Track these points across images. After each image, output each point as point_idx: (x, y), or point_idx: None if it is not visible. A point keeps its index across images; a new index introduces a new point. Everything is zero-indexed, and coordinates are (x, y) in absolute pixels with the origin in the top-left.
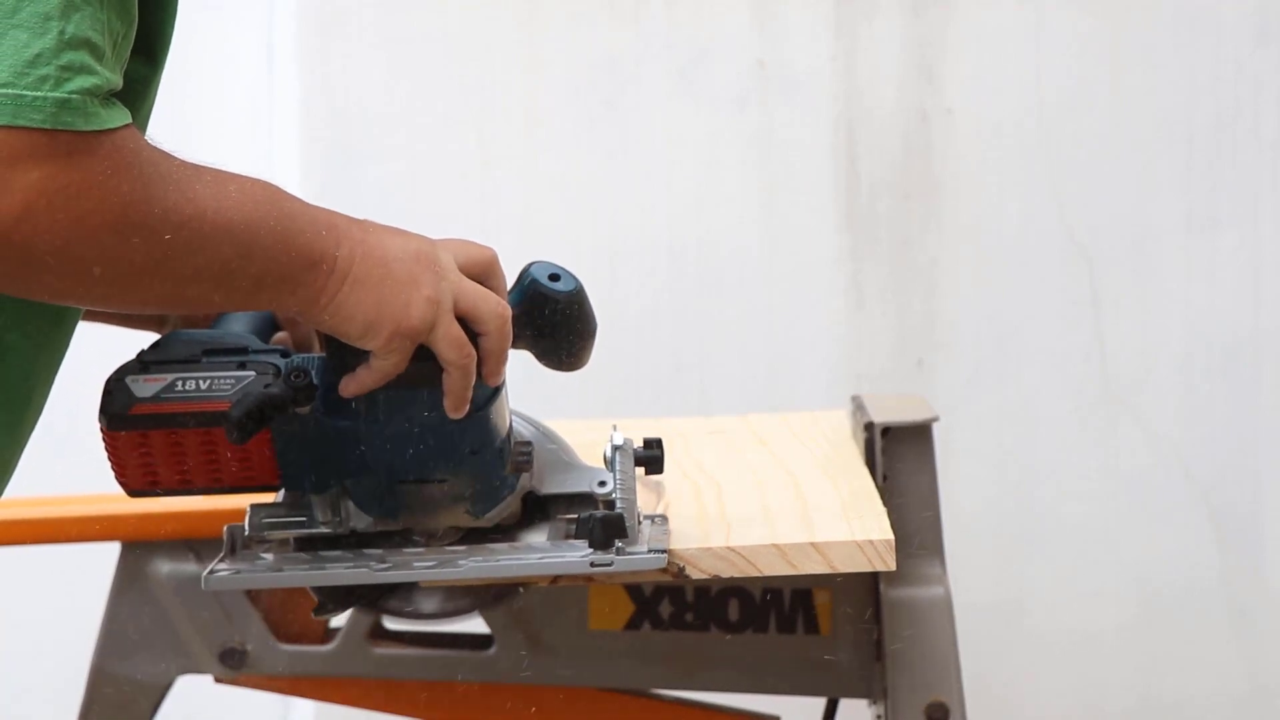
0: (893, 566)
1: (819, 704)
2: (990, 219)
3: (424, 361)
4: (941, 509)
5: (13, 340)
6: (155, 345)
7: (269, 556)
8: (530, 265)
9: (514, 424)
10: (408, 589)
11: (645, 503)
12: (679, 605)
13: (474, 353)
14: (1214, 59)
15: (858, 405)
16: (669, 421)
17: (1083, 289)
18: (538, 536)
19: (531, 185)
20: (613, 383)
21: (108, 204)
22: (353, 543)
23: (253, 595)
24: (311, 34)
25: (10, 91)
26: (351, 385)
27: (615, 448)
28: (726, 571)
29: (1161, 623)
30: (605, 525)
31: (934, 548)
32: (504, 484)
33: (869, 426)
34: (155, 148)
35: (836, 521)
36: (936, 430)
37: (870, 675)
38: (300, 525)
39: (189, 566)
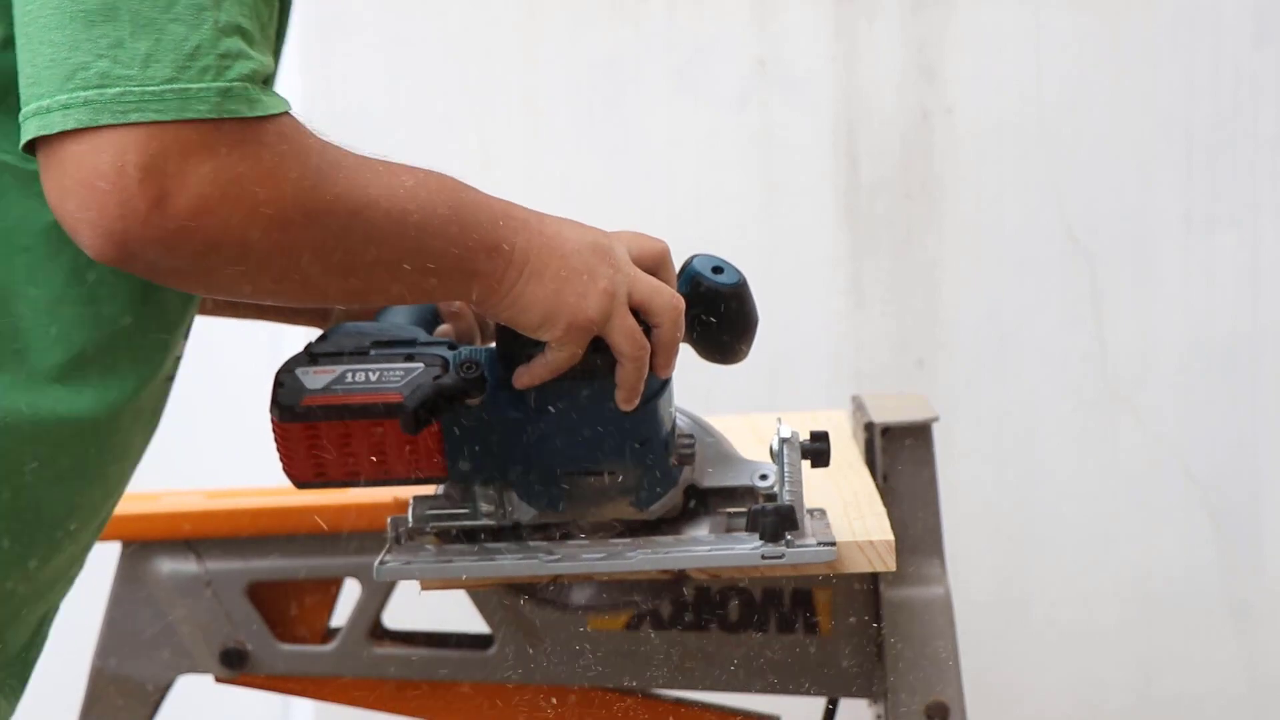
0: (893, 567)
1: (819, 704)
2: (990, 218)
3: (597, 353)
4: (941, 509)
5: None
6: (322, 338)
7: (431, 548)
8: (692, 258)
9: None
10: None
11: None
12: (679, 605)
13: (648, 345)
14: (1213, 59)
15: (858, 405)
16: None
17: (1083, 288)
18: (699, 529)
19: (532, 185)
20: None
21: (280, 192)
22: (514, 535)
23: (253, 594)
24: (312, 35)
25: (175, 86)
26: (525, 376)
27: (782, 440)
28: (727, 571)
29: (1161, 621)
30: (777, 517)
31: (934, 548)
32: (669, 476)
33: (869, 426)
34: (318, 136)
35: (837, 521)
36: (936, 430)
37: (870, 675)
38: (464, 517)
39: (189, 566)
